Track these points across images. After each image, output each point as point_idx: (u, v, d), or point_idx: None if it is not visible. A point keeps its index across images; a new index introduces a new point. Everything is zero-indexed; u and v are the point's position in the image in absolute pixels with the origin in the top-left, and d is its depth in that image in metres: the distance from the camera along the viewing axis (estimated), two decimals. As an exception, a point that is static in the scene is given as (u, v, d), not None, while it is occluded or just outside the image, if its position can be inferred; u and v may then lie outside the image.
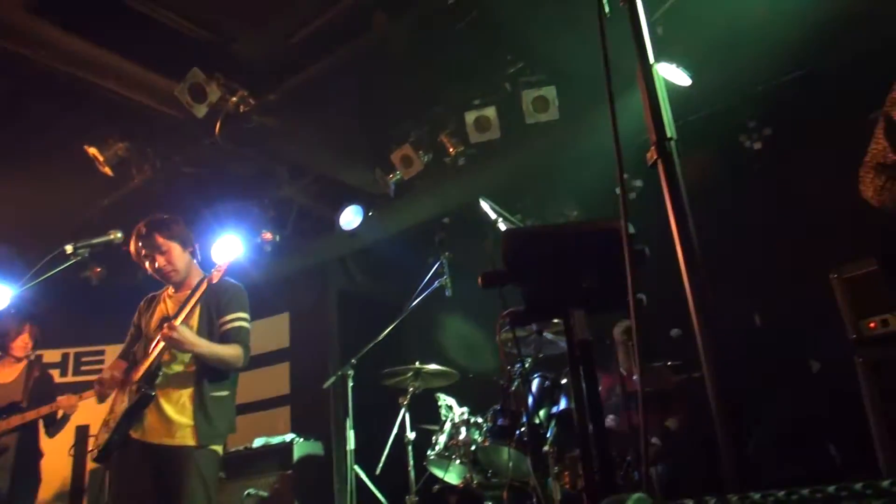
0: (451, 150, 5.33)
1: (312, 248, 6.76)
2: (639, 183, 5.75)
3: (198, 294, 3.24)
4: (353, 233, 5.99)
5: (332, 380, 5.11)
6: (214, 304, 3.45)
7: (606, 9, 1.28)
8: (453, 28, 4.51)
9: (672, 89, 4.66)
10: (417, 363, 4.78)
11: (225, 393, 3.42)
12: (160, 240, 3.43)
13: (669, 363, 4.58)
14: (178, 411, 3.28)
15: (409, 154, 5.32)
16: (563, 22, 4.27)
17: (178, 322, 3.19)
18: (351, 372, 4.88)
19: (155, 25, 4.18)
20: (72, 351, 7.31)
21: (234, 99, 4.61)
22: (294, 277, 7.08)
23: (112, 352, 7.16)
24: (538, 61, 4.87)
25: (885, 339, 3.28)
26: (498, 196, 4.78)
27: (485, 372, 5.80)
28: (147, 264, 3.48)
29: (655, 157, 1.11)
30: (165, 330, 3.13)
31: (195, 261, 3.60)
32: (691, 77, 4.64)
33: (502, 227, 4.03)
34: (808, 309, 4.48)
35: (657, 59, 4.79)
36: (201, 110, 4.50)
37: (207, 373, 3.34)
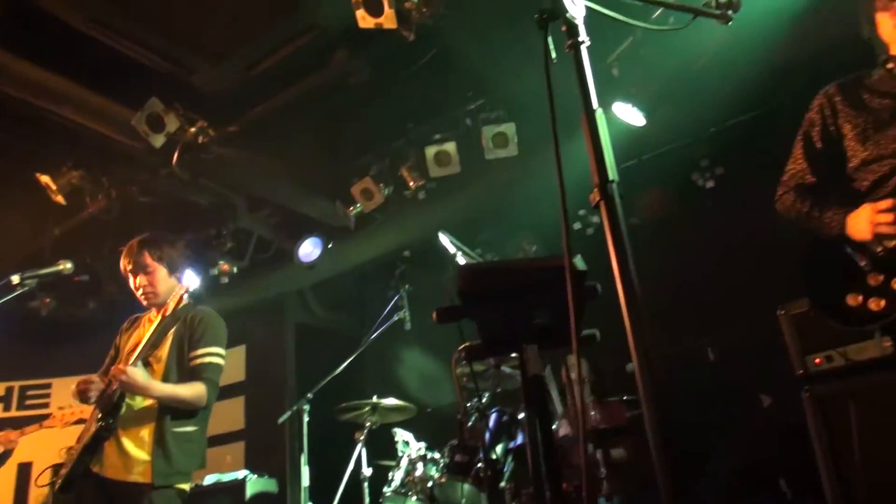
0: (411, 183, 5.37)
1: (271, 280, 6.70)
2: (597, 219, 5.85)
3: (163, 326, 3.16)
4: (312, 265, 5.96)
5: (287, 414, 5.03)
6: (188, 336, 3.30)
7: (553, 54, 1.32)
8: (414, 65, 4.59)
9: (627, 129, 4.81)
10: (375, 398, 4.74)
11: (191, 428, 3.26)
12: (147, 259, 3.33)
13: (625, 398, 4.62)
14: (136, 446, 3.13)
15: (370, 187, 5.34)
16: (523, 60, 4.37)
17: (130, 362, 3.05)
18: (307, 406, 4.82)
19: (114, 55, 4.16)
20: (16, 384, 7.05)
21: (193, 129, 4.59)
22: (251, 310, 6.99)
23: (60, 385, 6.94)
24: (498, 98, 4.97)
25: (829, 375, 3.36)
26: (458, 230, 4.82)
27: (443, 406, 5.78)
28: (130, 281, 3.38)
29: (598, 198, 1.15)
30: (114, 372, 3.01)
31: (180, 288, 3.50)
32: (646, 117, 4.78)
33: (461, 261, 4.07)
34: (760, 344, 4.58)
35: (613, 100, 4.92)
36: (159, 140, 4.47)
37: (171, 408, 3.19)
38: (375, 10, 3.47)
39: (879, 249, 1.98)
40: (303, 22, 4.03)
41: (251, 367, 7.14)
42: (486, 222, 6.29)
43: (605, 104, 4.70)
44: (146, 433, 3.15)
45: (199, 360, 3.26)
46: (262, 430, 6.62)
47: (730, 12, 1.82)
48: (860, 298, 1.99)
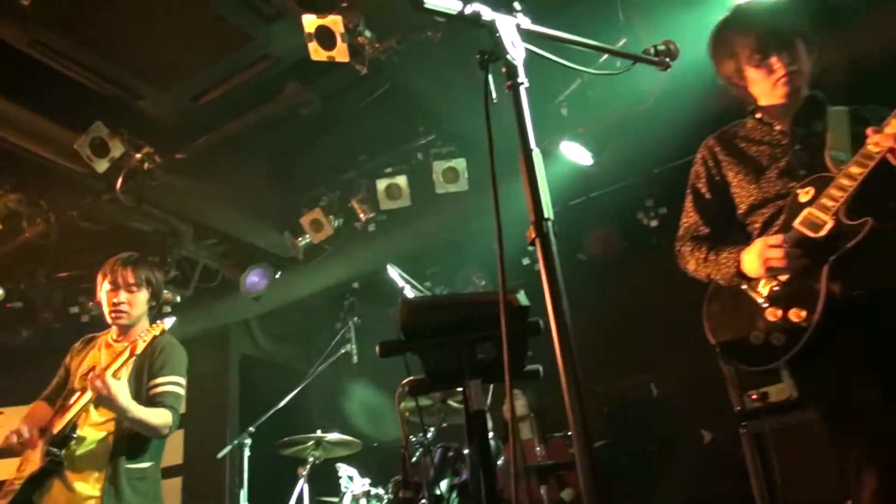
0: (361, 215, 5.37)
1: (215, 310, 6.56)
2: (544, 255, 5.94)
3: (133, 351, 2.99)
4: (258, 296, 5.87)
5: (227, 448, 4.90)
6: (148, 364, 3.13)
7: (493, 94, 1.35)
8: (366, 98, 4.62)
9: (576, 167, 4.92)
10: (319, 432, 4.65)
11: (145, 465, 3.08)
12: (135, 277, 3.18)
13: (569, 433, 4.64)
14: (86, 482, 2.92)
15: (320, 218, 5.32)
16: (474, 97, 4.44)
17: (109, 374, 2.82)
18: (248, 440, 4.70)
19: (59, 77, 4.07)
20: (-61, 415, 6.69)
21: (139, 155, 4.50)
22: (194, 340, 6.81)
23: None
24: (449, 134, 5.04)
25: (765, 411, 3.47)
26: (408, 263, 4.84)
27: (390, 441, 5.71)
28: (105, 293, 3.21)
29: (534, 236, 1.17)
30: (93, 380, 2.79)
31: (150, 315, 3.36)
32: (594, 156, 4.91)
33: (409, 294, 4.08)
34: (702, 380, 4.67)
35: (562, 139, 5.02)
36: (102, 165, 4.37)
37: (126, 443, 3.01)
38: (328, 44, 3.49)
39: (775, 284, 2.01)
40: (255, 52, 4.03)
41: (192, 399, 6.85)
42: (436, 256, 6.31)
43: (554, 143, 4.87)
44: (98, 469, 2.96)
45: (160, 389, 3.09)
46: (201, 464, 6.41)
47: (668, 60, 1.89)
48: (762, 336, 2.00)
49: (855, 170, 1.92)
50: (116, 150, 4.37)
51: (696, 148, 2.47)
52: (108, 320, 3.25)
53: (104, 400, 2.83)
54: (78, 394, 2.98)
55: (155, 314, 3.43)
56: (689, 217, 2.38)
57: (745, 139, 2.28)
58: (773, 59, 2.16)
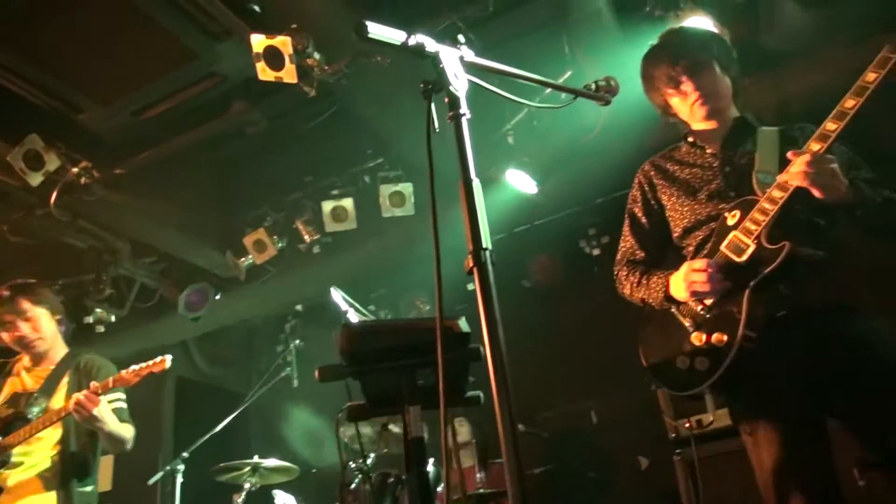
0: (306, 237, 5.32)
1: (151, 330, 6.36)
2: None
3: (55, 374, 2.94)
4: (197, 317, 5.72)
5: (159, 474, 4.73)
6: (88, 383, 3.09)
7: (436, 124, 1.37)
8: (314, 120, 4.61)
9: (521, 195, 4.99)
10: (256, 457, 4.55)
11: (90, 488, 3.08)
12: (25, 305, 3.13)
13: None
14: None
15: (263, 239, 5.25)
16: (422, 122, 4.49)
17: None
18: (181, 466, 4.55)
19: (-3, 88, 3.95)
20: None
21: (76, 170, 4.37)
22: (128, 361, 6.59)
23: None
24: (397, 158, 5.06)
25: (699, 439, 3.55)
26: (352, 286, 4.80)
27: (330, 467, 5.62)
28: (5, 333, 3.12)
29: (472, 265, 1.19)
30: (83, 401, 2.82)
31: (61, 330, 3.27)
32: (538, 185, 4.99)
33: (352, 317, 4.05)
34: (640, 408, 4.75)
35: (508, 167, 5.10)
36: (36, 178, 4.23)
37: (75, 465, 2.99)
38: (276, 64, 3.48)
39: (700, 308, 2.04)
40: (201, 70, 3.98)
41: (124, 423, 6.68)
42: (381, 279, 6.30)
43: (500, 170, 4.94)
44: (46, 492, 2.92)
45: (113, 406, 3.11)
46: (131, 491, 6.16)
47: (608, 95, 1.95)
48: (687, 361, 2.02)
49: (776, 193, 1.97)
50: (52, 164, 4.24)
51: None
52: (29, 352, 3.21)
53: (92, 419, 2.86)
54: (5, 418, 2.90)
55: (71, 329, 3.39)
56: (626, 241, 2.42)
57: (678, 163, 2.33)
58: (685, 85, 2.24)
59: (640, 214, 2.40)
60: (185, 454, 4.58)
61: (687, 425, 3.61)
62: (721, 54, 2.29)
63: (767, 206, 1.98)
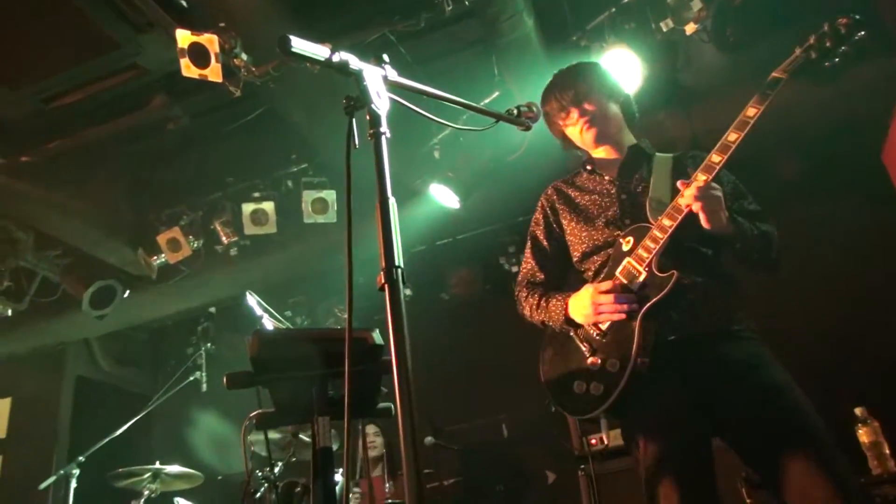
0: (224, 238, 5.21)
1: (52, 326, 6.05)
2: (408, 292, 6.03)
3: None
4: (102, 314, 5.49)
5: (51, 479, 4.51)
6: None
7: (356, 140, 1.39)
8: (239, 120, 4.53)
9: (443, 209, 5.05)
10: (158, 463, 4.40)
11: None
12: None
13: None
14: None
15: (178, 238, 5.10)
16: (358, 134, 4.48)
17: None
18: (76, 471, 4.36)
19: None
20: None
21: (-24, 154, 4.14)
22: (23, 358, 6.26)
23: None
24: (322, 165, 5.03)
25: (603, 455, 3.67)
26: (269, 291, 4.73)
27: (236, 474, 5.50)
28: None
29: (383, 282, 1.21)
30: None
31: None
32: (461, 200, 5.06)
33: (267, 323, 3.98)
34: (549, 423, 4.86)
35: (432, 180, 5.13)
36: (-68, 161, 3.98)
37: None
38: (201, 62, 3.40)
39: (596, 333, 2.12)
40: (121, 61, 3.85)
41: (15, 423, 6.34)
42: (299, 286, 6.21)
43: (425, 183, 4.98)
44: None
45: None
46: (21, 496, 5.83)
47: (528, 121, 2.01)
48: (584, 385, 2.08)
49: (666, 222, 2.07)
50: (-50, 147, 4.00)
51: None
52: None
53: None
54: None
55: None
56: (528, 263, 2.48)
57: (578, 189, 2.42)
58: (573, 113, 2.37)
59: (541, 237, 2.46)
60: (81, 458, 4.40)
61: (593, 441, 3.72)
62: (602, 83, 2.41)
63: (658, 234, 2.07)
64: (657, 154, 2.36)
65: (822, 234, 4.69)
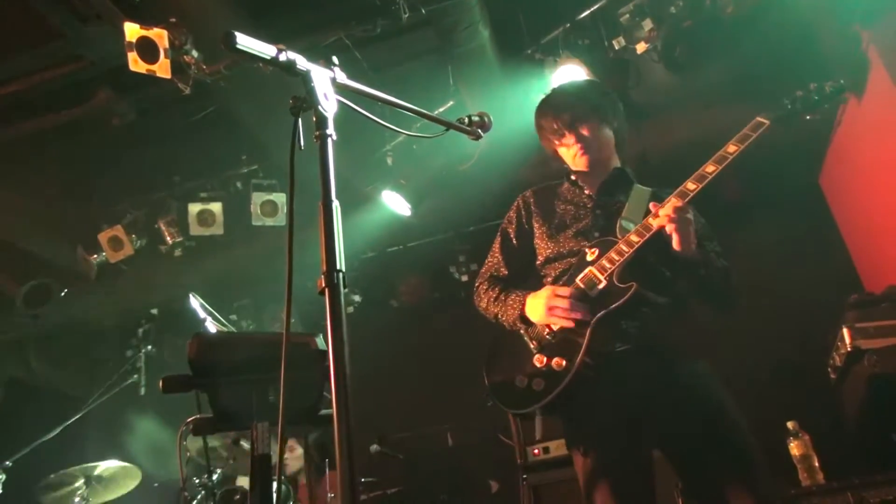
0: (168, 238, 5.10)
1: (-18, 325, 5.82)
2: (357, 298, 5.98)
3: None
4: (37, 314, 5.29)
5: (-26, 485, 4.31)
6: None
7: (301, 142, 1.37)
8: (189, 118, 4.44)
9: (395, 216, 5.04)
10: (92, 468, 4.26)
11: None
12: None
13: (363, 479, 4.63)
14: None
15: (120, 236, 4.98)
16: (305, 136, 4.44)
17: None
18: (2, 476, 4.19)
19: None
20: None
21: None
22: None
23: None
24: (272, 166, 4.97)
25: (545, 465, 3.70)
26: (214, 294, 4.64)
27: (173, 482, 5.36)
28: None
29: (324, 286, 1.19)
30: None
31: None
32: (412, 208, 5.06)
33: (211, 327, 3.90)
34: (493, 432, 4.87)
35: (384, 187, 5.11)
36: None
37: None
38: (150, 56, 3.31)
39: (547, 332, 2.17)
40: (65, 51, 3.72)
41: (-62, 428, 6.04)
42: (245, 289, 6.12)
43: (377, 190, 4.96)
44: None
45: None
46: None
47: (479, 131, 2.02)
48: (525, 380, 2.13)
49: (634, 238, 2.14)
50: None
51: (507, 211, 2.63)
52: None
53: None
54: None
55: None
56: (494, 257, 2.53)
57: (557, 197, 2.48)
58: (568, 137, 2.42)
59: (512, 235, 2.51)
60: (7, 463, 4.24)
61: (535, 452, 3.75)
62: (601, 107, 2.45)
63: (624, 247, 2.14)
64: (636, 185, 2.42)
65: (760, 251, 4.84)
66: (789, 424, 3.55)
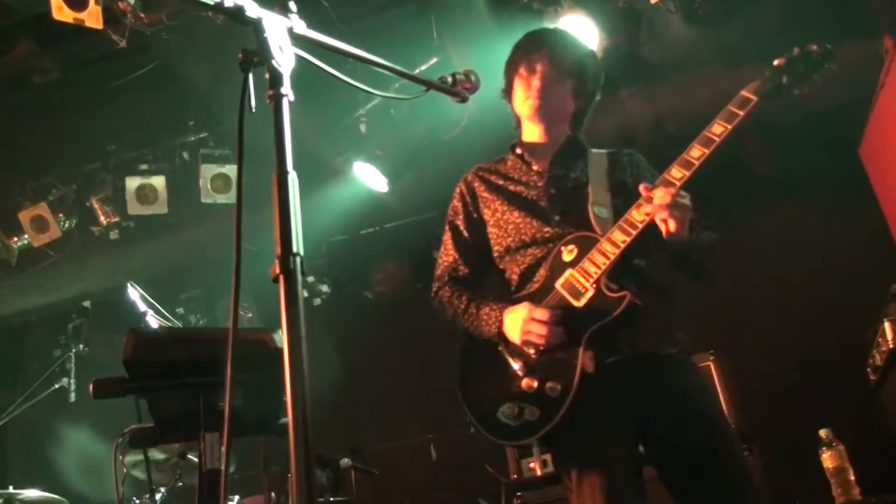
0: (102, 219, 5.09)
1: None
2: (326, 288, 5.98)
3: None
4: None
5: None
6: None
7: (252, 103, 1.35)
8: (124, 76, 4.40)
9: (369, 192, 5.03)
10: (11, 488, 4.25)
11: None
12: None
13: (331, 499, 4.66)
14: None
15: (45, 216, 4.97)
16: (258, 100, 4.42)
17: None
18: None
19: None
20: None
21: None
22: None
23: None
24: (224, 134, 4.94)
25: (541, 481, 3.75)
26: (157, 283, 4.62)
27: (109, 502, 5.38)
28: None
29: (278, 272, 1.18)
30: None
31: None
32: (390, 182, 5.04)
33: (152, 322, 3.89)
34: (485, 445, 4.89)
35: (357, 158, 5.09)
36: None
37: None
38: (77, 4, 3.28)
39: (532, 352, 2.14)
40: (-22, -5, 3.68)
41: None
42: (195, 277, 6.12)
43: (348, 161, 4.95)
44: None
45: None
46: None
47: (465, 91, 1.99)
48: (516, 409, 2.09)
49: (618, 236, 2.11)
50: None
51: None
52: None
53: None
54: None
55: None
56: (449, 255, 2.48)
57: (503, 176, 2.44)
58: (535, 78, 2.34)
59: (462, 227, 2.46)
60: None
61: (531, 466, 3.80)
62: (585, 76, 2.42)
63: (609, 248, 2.11)
64: (592, 150, 2.40)
65: (790, 233, 4.87)
66: (822, 433, 3.60)
